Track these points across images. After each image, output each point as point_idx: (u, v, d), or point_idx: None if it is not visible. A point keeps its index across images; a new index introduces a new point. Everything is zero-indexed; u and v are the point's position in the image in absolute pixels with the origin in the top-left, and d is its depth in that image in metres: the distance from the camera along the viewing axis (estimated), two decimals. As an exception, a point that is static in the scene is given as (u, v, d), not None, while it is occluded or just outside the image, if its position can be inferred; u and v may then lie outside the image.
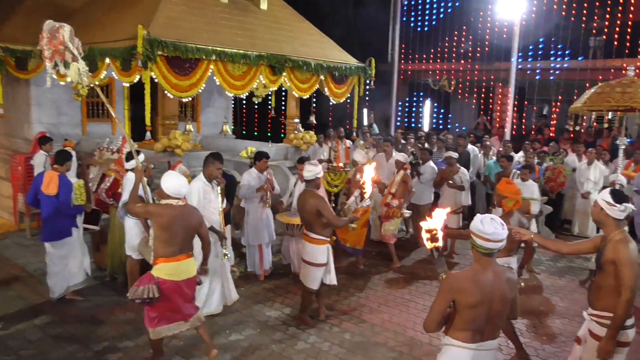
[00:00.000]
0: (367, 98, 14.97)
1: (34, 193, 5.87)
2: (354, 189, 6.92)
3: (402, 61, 16.28)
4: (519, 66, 13.50)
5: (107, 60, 7.76)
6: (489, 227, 3.01)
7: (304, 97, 9.87)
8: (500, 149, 10.65)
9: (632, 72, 7.23)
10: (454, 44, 15.48)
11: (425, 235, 3.44)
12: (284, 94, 11.19)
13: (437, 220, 3.43)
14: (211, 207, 5.52)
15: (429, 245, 3.42)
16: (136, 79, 7.48)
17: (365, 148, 9.85)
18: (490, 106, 15.46)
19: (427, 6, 15.51)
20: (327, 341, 5.31)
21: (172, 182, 4.42)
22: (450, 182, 8.01)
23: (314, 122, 10.72)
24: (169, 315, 4.45)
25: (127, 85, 8.58)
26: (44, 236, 5.88)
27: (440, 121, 16.16)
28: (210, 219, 5.45)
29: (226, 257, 5.62)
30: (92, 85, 5.13)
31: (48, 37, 4.81)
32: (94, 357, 4.87)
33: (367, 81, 10.70)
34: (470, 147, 10.31)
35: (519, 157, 10.09)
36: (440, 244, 3.43)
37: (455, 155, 8.36)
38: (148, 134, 7.31)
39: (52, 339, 5.18)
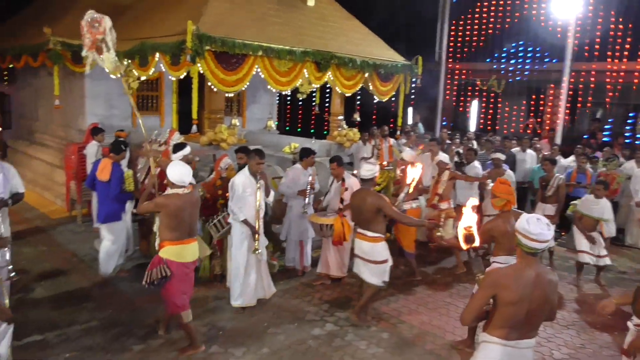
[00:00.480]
0: (412, 97, 14.83)
1: (92, 178, 6.41)
2: (402, 189, 6.86)
3: (450, 60, 15.95)
4: (573, 67, 13.00)
5: (157, 55, 7.96)
6: (535, 227, 3.01)
7: (349, 95, 9.83)
8: (548, 153, 10.29)
9: None
10: (505, 43, 15.05)
11: (461, 236, 3.49)
12: (328, 90, 11.17)
13: (470, 220, 3.46)
14: (250, 201, 5.56)
15: (464, 245, 3.46)
16: (184, 73, 7.64)
17: (408, 147, 9.72)
18: (541, 108, 14.95)
19: (477, 5, 15.13)
20: (365, 340, 5.27)
21: (177, 171, 4.61)
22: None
23: (358, 119, 10.66)
24: (187, 300, 4.76)
25: (176, 79, 8.78)
26: (99, 218, 6.40)
27: (488, 122, 15.75)
28: (247, 213, 5.53)
29: (257, 252, 5.59)
30: (119, 75, 5.57)
31: (88, 27, 5.12)
32: (137, 341, 5.02)
33: (413, 79, 10.56)
34: (515, 149, 10.01)
35: (569, 161, 9.73)
36: (477, 243, 3.45)
37: (502, 157, 8.18)
38: (194, 127, 7.45)
39: (98, 321, 5.36)
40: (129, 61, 8.66)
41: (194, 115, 7.43)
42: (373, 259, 5.38)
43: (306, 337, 5.24)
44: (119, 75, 9.05)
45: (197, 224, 4.91)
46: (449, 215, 7.14)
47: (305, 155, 6.78)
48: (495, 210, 4.98)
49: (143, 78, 9.14)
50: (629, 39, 12.81)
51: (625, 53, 12.92)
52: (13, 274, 4.24)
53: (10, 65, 11.67)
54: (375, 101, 10.75)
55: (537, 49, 14.31)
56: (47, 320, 5.34)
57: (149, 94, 11.19)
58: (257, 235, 5.60)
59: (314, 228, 6.44)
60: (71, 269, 6.85)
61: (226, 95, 8.91)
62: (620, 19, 12.80)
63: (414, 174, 5.45)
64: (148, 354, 4.80)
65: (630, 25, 12.70)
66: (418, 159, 8.22)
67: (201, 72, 7.39)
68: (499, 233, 4.71)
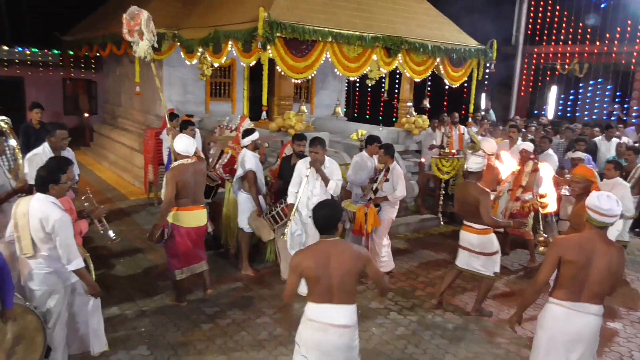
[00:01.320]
0: (486, 82, 14.26)
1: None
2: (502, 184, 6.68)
3: (528, 44, 15.14)
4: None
5: (230, 42, 8.16)
6: (606, 203, 3.30)
7: (418, 80, 9.62)
8: (635, 142, 9.58)
9: None
10: (588, 24, 14.05)
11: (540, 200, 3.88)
12: (397, 76, 10.99)
13: (547, 185, 3.87)
14: (300, 183, 5.59)
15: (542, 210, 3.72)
16: (256, 60, 7.78)
17: (480, 135, 9.39)
18: (629, 93, 13.89)
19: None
20: (429, 330, 5.21)
21: (182, 142, 5.17)
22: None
23: (428, 106, 10.43)
24: (187, 259, 5.27)
25: (247, 66, 8.98)
26: None
27: (568, 109, 14.85)
28: (296, 196, 5.60)
29: (283, 236, 5.65)
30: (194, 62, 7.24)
31: (127, 20, 6.51)
32: (207, 320, 5.24)
33: (487, 64, 10.16)
34: (598, 138, 9.39)
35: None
36: (553, 208, 3.87)
37: (583, 156, 7.56)
38: (264, 113, 7.61)
39: (171, 299, 5.64)
40: (204, 49, 8.94)
41: (264, 101, 7.57)
42: (484, 251, 5.32)
43: (370, 325, 5.25)
44: (194, 62, 9.46)
45: (202, 192, 5.36)
46: (534, 207, 6.74)
47: (369, 142, 6.71)
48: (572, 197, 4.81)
49: (216, 65, 9.42)
50: None
51: None
52: (114, 235, 4.56)
53: (97, 54, 12.39)
54: (446, 87, 10.45)
55: (626, 28, 13.24)
56: (125, 295, 5.69)
57: (221, 81, 11.51)
58: (288, 222, 5.63)
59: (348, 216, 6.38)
60: (147, 247, 7.22)
61: (295, 82, 8.99)
62: None
63: (507, 170, 5.37)
64: (216, 333, 5.00)
65: None
66: (498, 148, 7.93)
67: (271, 58, 7.50)
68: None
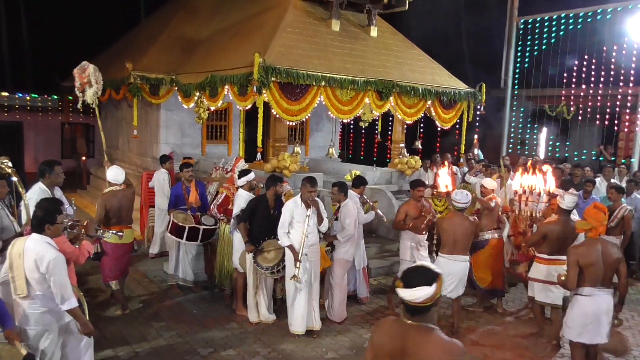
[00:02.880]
0: (477, 124, 14.57)
1: (174, 201, 7.07)
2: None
3: (516, 87, 15.58)
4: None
5: (226, 86, 8.41)
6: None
7: (411, 122, 9.87)
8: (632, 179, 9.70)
9: None
10: (574, 68, 14.53)
11: None
12: (390, 118, 11.26)
13: None
14: (297, 227, 5.64)
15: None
16: (251, 103, 8.00)
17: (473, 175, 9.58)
18: (615, 134, 14.21)
19: (546, 28, 14.73)
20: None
21: (112, 172, 6.21)
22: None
23: (420, 147, 10.64)
24: (117, 272, 6.15)
25: (243, 109, 9.21)
26: None
27: (557, 149, 15.14)
28: (293, 237, 5.63)
29: (295, 278, 5.54)
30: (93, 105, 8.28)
31: (78, 73, 8.10)
32: (200, 361, 5.20)
33: (477, 107, 10.44)
34: (598, 179, 9.50)
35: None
36: None
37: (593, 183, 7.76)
38: (259, 155, 7.77)
39: (165, 341, 5.61)
40: (200, 93, 9.19)
41: (259, 143, 7.74)
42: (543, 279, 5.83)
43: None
44: (191, 106, 9.70)
45: (129, 214, 6.25)
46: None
47: (359, 183, 6.86)
48: (578, 232, 4.99)
49: (212, 108, 9.65)
50: None
51: None
52: (118, 232, 5.38)
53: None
54: (438, 128, 10.70)
55: (611, 73, 13.69)
56: (120, 337, 5.66)
57: (217, 124, 11.74)
58: (298, 263, 5.55)
59: None
60: (142, 289, 7.22)
61: (289, 124, 9.21)
62: None
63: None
64: (210, 373, 4.96)
65: None
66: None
67: (266, 101, 7.72)
68: (585, 263, 4.63)
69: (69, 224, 4.34)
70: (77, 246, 4.30)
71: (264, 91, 7.52)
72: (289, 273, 5.65)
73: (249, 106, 8.23)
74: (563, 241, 5.59)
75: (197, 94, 9.31)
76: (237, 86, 8.09)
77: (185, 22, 12.11)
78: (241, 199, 6.11)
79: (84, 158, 15.71)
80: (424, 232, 6.66)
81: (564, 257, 5.33)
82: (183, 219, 6.76)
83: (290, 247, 5.61)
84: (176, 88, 10.12)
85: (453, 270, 5.80)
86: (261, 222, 5.97)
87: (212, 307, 6.62)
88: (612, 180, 9.26)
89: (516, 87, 15.48)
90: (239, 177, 6.34)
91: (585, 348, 4.83)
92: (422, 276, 2.54)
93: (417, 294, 2.49)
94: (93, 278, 7.37)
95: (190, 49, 11.23)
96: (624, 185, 8.46)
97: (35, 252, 3.73)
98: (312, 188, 5.62)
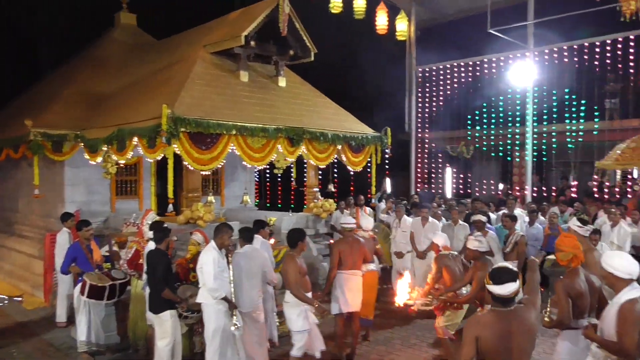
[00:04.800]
0: (387, 166, 15.30)
1: (68, 265, 6.70)
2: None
3: (419, 130, 16.65)
4: (535, 130, 13.67)
5: (135, 139, 8.27)
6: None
7: (323, 167, 10.18)
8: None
9: None
10: (469, 110, 15.84)
11: None
12: (304, 164, 11.55)
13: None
14: (224, 276, 5.58)
15: None
16: (161, 155, 7.91)
17: (386, 213, 9.98)
18: (509, 170, 15.50)
19: (441, 77, 16.05)
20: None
21: None
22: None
23: (333, 189, 10.95)
24: None
25: (153, 161, 9.07)
26: None
27: (460, 187, 16.19)
28: (224, 288, 5.53)
29: (235, 326, 5.51)
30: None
31: None
32: None
33: (385, 149, 11.00)
34: (501, 212, 10.13)
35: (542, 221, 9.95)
36: None
37: (484, 218, 8.23)
38: (170, 206, 7.62)
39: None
40: (108, 147, 8.96)
41: (170, 194, 7.62)
42: None
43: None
44: (99, 161, 9.40)
45: None
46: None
47: (259, 227, 6.86)
48: (561, 264, 4.57)
49: (122, 162, 9.40)
50: (582, 100, 13.60)
51: (582, 114, 13.66)
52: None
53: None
54: (351, 172, 11.10)
55: (500, 114, 15.07)
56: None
57: (127, 179, 11.39)
58: (235, 310, 5.55)
59: None
60: (48, 358, 6.68)
61: (203, 174, 9.17)
62: (575, 82, 13.65)
63: None
64: None
65: (583, 87, 13.53)
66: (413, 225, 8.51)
67: (177, 152, 7.67)
68: (575, 294, 4.25)
69: None
70: None
71: (173, 142, 7.48)
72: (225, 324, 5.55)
73: (159, 158, 8.12)
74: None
75: (104, 148, 9.06)
76: (145, 138, 7.98)
77: (92, 77, 11.87)
78: None
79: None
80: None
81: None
82: (98, 279, 6.44)
83: (225, 298, 5.51)
84: (82, 144, 9.78)
85: (353, 284, 6.30)
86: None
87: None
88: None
89: (419, 130, 16.53)
90: (150, 229, 6.18)
91: None
92: (508, 275, 3.32)
93: (508, 289, 3.27)
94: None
95: (96, 103, 10.97)
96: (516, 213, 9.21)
97: None
98: (232, 232, 5.65)
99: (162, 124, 7.38)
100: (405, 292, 6.15)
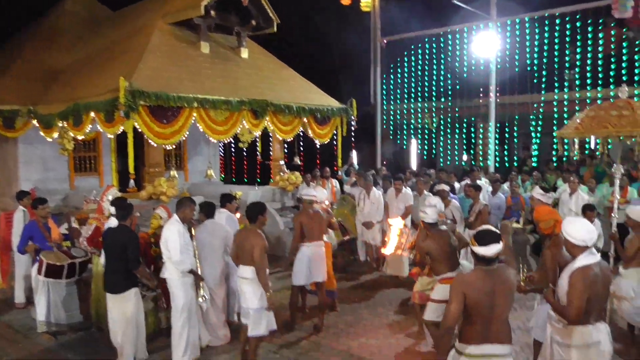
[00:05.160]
0: (352, 139, 15.30)
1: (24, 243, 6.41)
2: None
3: (385, 102, 16.66)
4: (498, 101, 13.86)
5: (92, 114, 7.97)
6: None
7: (289, 140, 10.08)
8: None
9: (625, 94, 6.35)
10: (434, 82, 15.92)
11: None
12: (270, 138, 11.42)
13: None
14: (189, 249, 5.51)
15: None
16: (120, 129, 7.65)
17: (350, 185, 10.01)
18: (473, 141, 15.74)
19: (406, 48, 16.02)
20: None
21: None
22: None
23: (299, 162, 10.88)
24: None
25: (113, 137, 8.80)
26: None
27: (424, 158, 16.37)
28: (190, 261, 5.47)
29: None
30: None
31: None
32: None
33: (350, 122, 10.96)
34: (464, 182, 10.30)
35: (507, 187, 10.18)
36: None
37: (447, 188, 8.32)
38: (132, 182, 7.41)
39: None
40: (63, 123, 8.61)
41: (131, 169, 7.40)
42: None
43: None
44: (54, 137, 9.05)
45: None
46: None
47: (225, 201, 6.70)
48: (545, 232, 4.65)
49: (79, 138, 9.07)
50: (543, 72, 13.84)
51: (543, 85, 13.92)
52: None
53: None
54: (317, 145, 11.04)
55: (465, 86, 15.21)
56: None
57: (86, 155, 11.05)
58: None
59: None
60: (6, 342, 6.48)
61: (165, 148, 8.95)
62: (536, 53, 13.85)
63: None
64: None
65: (545, 58, 13.75)
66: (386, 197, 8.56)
67: (137, 127, 7.43)
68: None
69: None
70: None
71: (132, 116, 7.23)
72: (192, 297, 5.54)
73: (118, 133, 7.87)
74: (449, 254, 5.41)
75: (60, 124, 8.71)
76: (103, 113, 7.71)
77: (44, 50, 11.34)
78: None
79: None
80: None
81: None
82: (56, 257, 6.22)
83: (192, 270, 5.48)
84: (35, 120, 9.37)
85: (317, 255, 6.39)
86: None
87: (90, 348, 6.11)
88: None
89: (384, 102, 16.54)
90: (112, 204, 5.99)
91: None
92: (492, 236, 3.52)
93: (492, 250, 3.47)
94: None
95: (50, 77, 10.50)
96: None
97: None
98: (195, 206, 5.57)
99: (119, 97, 7.12)
100: (395, 242, 6.54)
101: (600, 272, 3.61)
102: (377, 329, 6.57)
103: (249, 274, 5.22)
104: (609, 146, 7.31)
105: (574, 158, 11.63)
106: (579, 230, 3.67)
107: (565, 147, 6.82)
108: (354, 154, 13.13)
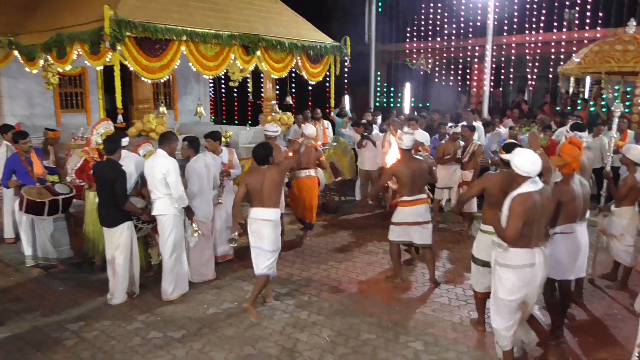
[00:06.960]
0: (345, 81, 14.98)
1: (7, 177, 6.28)
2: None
3: (379, 42, 16.20)
4: (495, 42, 13.52)
5: (77, 45, 7.62)
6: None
7: (280, 78, 9.81)
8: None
9: (632, 29, 6.18)
10: (430, 22, 15.44)
11: None
12: (261, 78, 11.10)
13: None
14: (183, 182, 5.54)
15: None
16: (106, 62, 7.35)
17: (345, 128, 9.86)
18: (468, 83, 15.47)
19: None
20: (306, 310, 5.32)
21: None
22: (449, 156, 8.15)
23: (291, 102, 10.67)
24: None
25: (99, 69, 8.50)
26: None
27: (420, 103, 16.10)
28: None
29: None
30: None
31: None
32: (71, 336, 4.83)
33: (344, 60, 10.65)
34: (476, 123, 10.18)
35: (504, 131, 10.04)
36: None
37: (458, 130, 8.26)
38: (120, 117, 7.18)
39: (28, 323, 5.12)
40: (47, 55, 8.26)
41: (119, 104, 7.18)
42: (428, 220, 5.85)
43: (247, 314, 5.22)
44: (38, 70, 8.71)
45: None
46: None
47: (208, 137, 6.49)
48: (555, 167, 4.63)
49: (68, 69, 8.72)
50: (543, 11, 13.44)
51: (542, 25, 13.55)
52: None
53: None
54: (309, 86, 10.78)
55: (460, 26, 14.78)
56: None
57: (73, 91, 10.73)
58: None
59: None
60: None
61: (152, 82, 8.67)
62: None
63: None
64: (82, 347, 4.64)
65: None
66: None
67: (125, 63, 7.14)
68: (565, 199, 4.50)
69: None
70: None
71: (118, 47, 6.92)
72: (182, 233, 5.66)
73: (105, 66, 7.56)
74: (415, 180, 5.70)
75: (43, 56, 8.35)
76: (87, 44, 7.35)
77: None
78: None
79: None
80: None
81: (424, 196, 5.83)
82: (37, 193, 6.11)
83: (188, 207, 5.63)
84: (16, 51, 9.00)
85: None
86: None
87: (81, 282, 6.16)
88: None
89: (379, 42, 16.08)
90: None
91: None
92: (514, 146, 4.42)
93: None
94: None
95: (31, 5, 9.98)
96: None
97: None
98: (177, 140, 5.60)
99: (104, 27, 6.78)
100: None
101: (540, 198, 3.85)
102: (366, 266, 6.66)
103: (273, 216, 5.15)
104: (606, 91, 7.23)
105: (577, 93, 11.47)
106: (523, 162, 3.84)
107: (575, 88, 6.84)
108: (347, 99, 12.89)
